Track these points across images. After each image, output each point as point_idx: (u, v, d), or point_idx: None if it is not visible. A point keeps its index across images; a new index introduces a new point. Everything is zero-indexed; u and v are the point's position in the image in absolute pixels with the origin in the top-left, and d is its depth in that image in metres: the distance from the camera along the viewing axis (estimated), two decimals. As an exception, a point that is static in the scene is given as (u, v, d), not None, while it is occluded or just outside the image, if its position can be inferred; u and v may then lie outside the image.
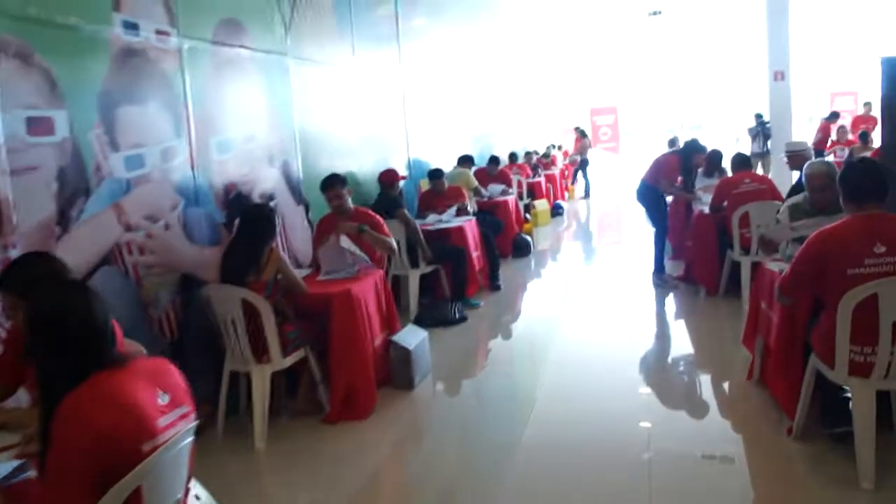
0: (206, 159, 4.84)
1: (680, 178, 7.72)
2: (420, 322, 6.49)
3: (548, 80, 21.13)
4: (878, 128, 14.98)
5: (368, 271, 5.05)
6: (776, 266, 4.29)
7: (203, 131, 4.82)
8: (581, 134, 18.88)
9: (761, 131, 14.26)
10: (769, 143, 14.15)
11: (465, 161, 9.85)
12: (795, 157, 7.10)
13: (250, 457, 4.21)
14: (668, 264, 8.17)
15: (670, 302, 7.29)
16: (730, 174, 7.83)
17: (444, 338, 6.30)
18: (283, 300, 4.45)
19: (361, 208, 5.68)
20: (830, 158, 14.14)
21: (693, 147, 7.77)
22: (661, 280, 7.66)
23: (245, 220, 4.42)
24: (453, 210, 7.99)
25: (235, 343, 4.22)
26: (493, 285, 7.92)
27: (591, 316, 7.14)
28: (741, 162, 7.26)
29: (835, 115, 15.45)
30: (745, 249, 6.58)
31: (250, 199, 5.23)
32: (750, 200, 6.59)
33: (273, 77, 5.84)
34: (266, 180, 5.55)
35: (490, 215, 9.45)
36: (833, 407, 3.76)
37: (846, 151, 13.14)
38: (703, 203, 7.35)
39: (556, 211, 14.25)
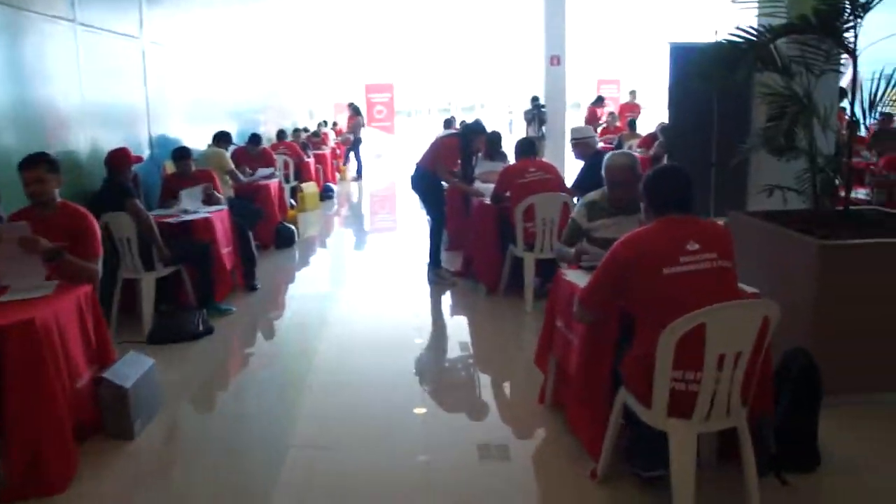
0: None
1: (459, 163, 7.06)
2: (156, 338, 5.37)
3: (321, 54, 20.06)
4: (657, 116, 15.58)
5: (68, 287, 3.85)
6: (576, 277, 3.65)
7: None
8: (354, 111, 17.99)
9: (537, 115, 14.10)
10: (544, 127, 14.05)
11: (221, 139, 8.59)
12: (581, 145, 6.66)
13: None
14: (446, 256, 7.52)
15: (447, 300, 6.64)
16: (511, 159, 7.31)
17: (187, 356, 5.21)
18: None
19: (72, 205, 4.31)
20: (601, 145, 14.35)
21: (474, 129, 7.09)
22: (438, 276, 6.98)
23: None
24: (197, 193, 6.76)
25: None
26: (250, 285, 6.85)
27: (362, 312, 6.40)
28: (527, 148, 6.66)
29: (600, 100, 15.76)
30: (530, 245, 6.02)
31: None
32: (536, 191, 6.03)
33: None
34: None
35: (249, 202, 8.34)
36: (645, 446, 3.19)
37: (616, 138, 13.32)
38: (484, 195, 6.73)
39: (326, 194, 13.30)
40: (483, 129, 7.12)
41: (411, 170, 7.12)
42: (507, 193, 6.29)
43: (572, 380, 3.46)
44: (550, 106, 14.11)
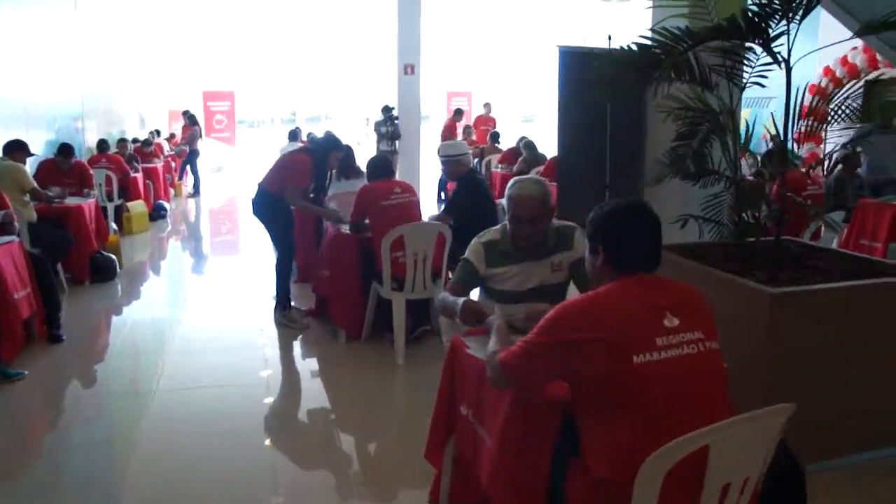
0: None
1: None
2: None
3: (154, 56, 18.39)
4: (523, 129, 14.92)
5: None
6: (482, 349, 2.72)
7: None
8: (191, 120, 16.43)
9: (390, 128, 13.17)
10: (398, 142, 13.17)
11: (15, 149, 7.00)
12: (453, 163, 5.79)
13: None
14: (295, 290, 6.45)
15: (300, 347, 5.60)
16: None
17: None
18: None
19: None
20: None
21: (331, 144, 6.01)
22: (288, 318, 5.88)
23: None
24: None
25: None
26: (53, 335, 5.49)
27: (199, 362, 5.24)
28: (384, 168, 5.69)
29: (459, 113, 15.08)
30: (399, 282, 5.07)
31: None
32: (401, 216, 5.13)
33: None
34: None
35: (56, 227, 6.94)
36: None
37: (478, 150, 12.70)
38: (343, 219, 5.74)
39: (159, 213, 11.82)
40: (339, 143, 6.07)
41: (253, 190, 6.02)
42: (367, 220, 5.35)
43: (487, 493, 2.52)
44: (404, 118, 13.24)
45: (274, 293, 6.01)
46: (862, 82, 5.40)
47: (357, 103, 26.58)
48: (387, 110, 13.46)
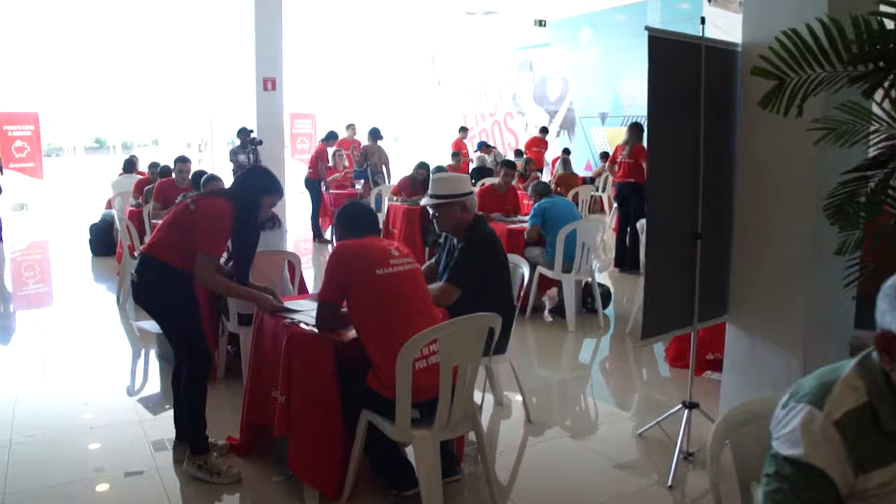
0: None
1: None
2: None
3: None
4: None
5: None
6: None
7: None
8: (-16, 149, 13.23)
9: (252, 155, 10.89)
10: (259, 171, 10.96)
11: None
12: (455, 209, 3.83)
13: None
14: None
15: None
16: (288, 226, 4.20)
17: None
18: None
19: None
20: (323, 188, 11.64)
21: (266, 184, 3.69)
22: (207, 469, 3.54)
23: None
24: None
25: None
26: None
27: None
28: (369, 219, 3.58)
29: (333, 135, 13.07)
30: (421, 408, 3.00)
31: None
32: (406, 296, 3.20)
33: None
34: None
35: None
36: None
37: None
38: (285, 305, 3.63)
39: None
40: (275, 183, 3.83)
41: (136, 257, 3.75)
42: (345, 306, 3.27)
43: None
44: (265, 142, 11.14)
45: (187, 434, 3.72)
46: None
47: (185, 126, 23.33)
48: (244, 133, 11.15)
